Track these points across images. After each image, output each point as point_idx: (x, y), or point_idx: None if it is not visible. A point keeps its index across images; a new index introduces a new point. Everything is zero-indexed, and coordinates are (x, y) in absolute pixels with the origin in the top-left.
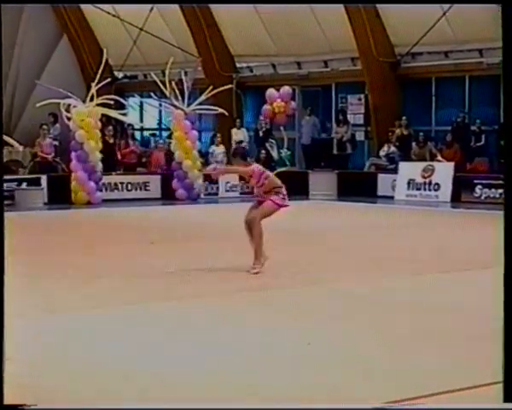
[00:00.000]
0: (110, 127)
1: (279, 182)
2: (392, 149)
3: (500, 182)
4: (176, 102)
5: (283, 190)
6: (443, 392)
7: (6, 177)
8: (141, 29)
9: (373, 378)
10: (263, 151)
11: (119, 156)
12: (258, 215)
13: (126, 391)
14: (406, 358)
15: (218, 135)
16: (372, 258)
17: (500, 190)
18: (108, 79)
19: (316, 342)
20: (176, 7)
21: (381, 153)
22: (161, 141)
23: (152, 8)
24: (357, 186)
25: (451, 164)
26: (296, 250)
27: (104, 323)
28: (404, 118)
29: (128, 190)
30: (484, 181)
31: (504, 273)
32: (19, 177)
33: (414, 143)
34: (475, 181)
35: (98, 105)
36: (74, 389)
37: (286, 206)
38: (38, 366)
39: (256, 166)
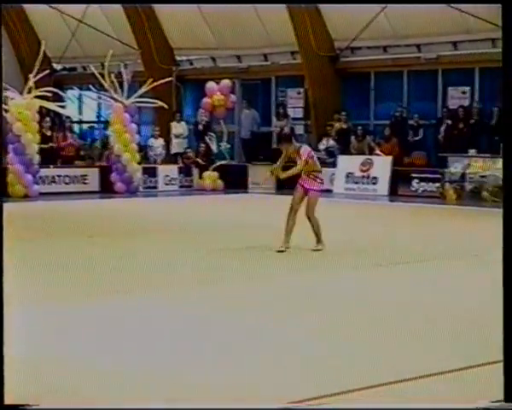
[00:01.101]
0: (47, 119)
1: (319, 166)
2: (331, 142)
3: (437, 176)
4: (115, 95)
5: (321, 175)
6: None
7: None
8: (80, 21)
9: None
10: (202, 144)
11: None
12: (310, 210)
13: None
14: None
15: (157, 128)
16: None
17: (437, 184)
18: (47, 71)
19: (256, 336)
20: None
21: (321, 147)
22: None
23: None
24: (297, 179)
25: (389, 158)
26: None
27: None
28: (343, 113)
29: (66, 184)
30: (421, 175)
31: (504, 273)
32: None
33: (353, 137)
34: (412, 175)
35: (36, 97)
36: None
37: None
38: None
39: (305, 148)
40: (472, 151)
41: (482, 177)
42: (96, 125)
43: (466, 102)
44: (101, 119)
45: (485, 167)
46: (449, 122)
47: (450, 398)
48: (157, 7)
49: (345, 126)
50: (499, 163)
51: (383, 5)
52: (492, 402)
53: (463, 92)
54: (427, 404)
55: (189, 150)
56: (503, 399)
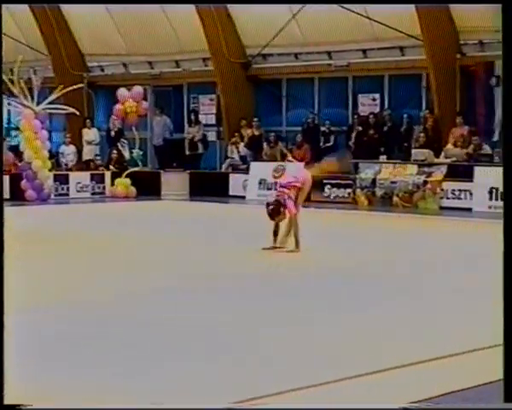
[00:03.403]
0: None
1: None
2: (243, 149)
3: (348, 182)
4: (25, 102)
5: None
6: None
7: None
8: None
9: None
10: (114, 151)
11: None
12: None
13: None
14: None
15: (69, 135)
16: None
17: (348, 190)
18: None
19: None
20: (25, 4)
21: (234, 155)
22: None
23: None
24: (209, 186)
25: (302, 164)
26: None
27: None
28: (255, 119)
29: None
30: (332, 181)
31: (504, 273)
32: None
33: (265, 144)
34: (324, 181)
35: None
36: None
37: None
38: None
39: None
40: (382, 157)
41: (392, 182)
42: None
43: (376, 109)
44: (12, 125)
45: (395, 173)
46: (359, 129)
47: None
48: (67, 12)
49: (257, 133)
50: (409, 169)
51: (294, 11)
52: (412, 403)
53: (373, 99)
54: (347, 404)
55: (97, 158)
56: (503, 399)
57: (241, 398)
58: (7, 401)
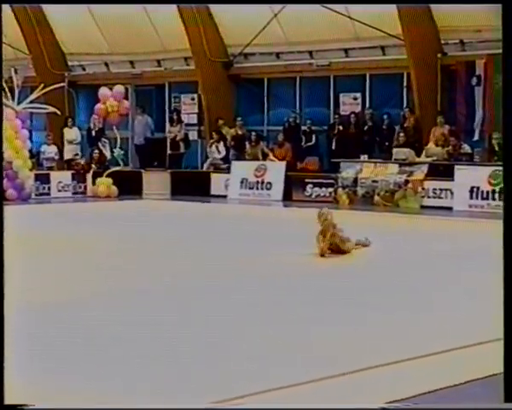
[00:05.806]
0: None
1: None
2: (222, 148)
3: (330, 181)
4: (5, 101)
5: None
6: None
7: None
8: None
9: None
10: (96, 151)
11: None
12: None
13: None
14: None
15: (50, 134)
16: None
17: (330, 189)
18: None
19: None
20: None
21: (215, 154)
22: None
23: None
24: (191, 185)
25: (283, 163)
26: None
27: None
28: (239, 118)
29: None
30: (314, 180)
31: (504, 275)
32: None
33: (247, 143)
34: (306, 180)
35: None
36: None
37: None
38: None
39: None
40: (364, 156)
41: (374, 182)
42: None
43: (357, 109)
44: None
45: (376, 172)
46: (341, 128)
47: None
48: (47, 11)
49: (240, 132)
50: (390, 168)
51: (276, 11)
52: (388, 403)
53: (355, 98)
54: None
55: (77, 157)
56: (503, 399)
57: (221, 398)
58: (7, 401)
